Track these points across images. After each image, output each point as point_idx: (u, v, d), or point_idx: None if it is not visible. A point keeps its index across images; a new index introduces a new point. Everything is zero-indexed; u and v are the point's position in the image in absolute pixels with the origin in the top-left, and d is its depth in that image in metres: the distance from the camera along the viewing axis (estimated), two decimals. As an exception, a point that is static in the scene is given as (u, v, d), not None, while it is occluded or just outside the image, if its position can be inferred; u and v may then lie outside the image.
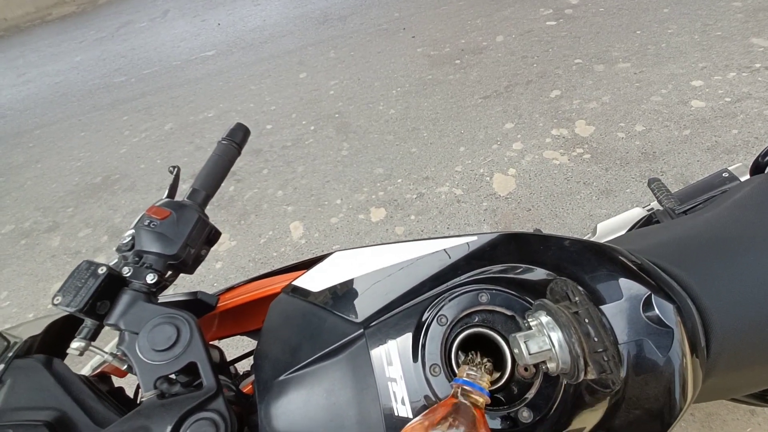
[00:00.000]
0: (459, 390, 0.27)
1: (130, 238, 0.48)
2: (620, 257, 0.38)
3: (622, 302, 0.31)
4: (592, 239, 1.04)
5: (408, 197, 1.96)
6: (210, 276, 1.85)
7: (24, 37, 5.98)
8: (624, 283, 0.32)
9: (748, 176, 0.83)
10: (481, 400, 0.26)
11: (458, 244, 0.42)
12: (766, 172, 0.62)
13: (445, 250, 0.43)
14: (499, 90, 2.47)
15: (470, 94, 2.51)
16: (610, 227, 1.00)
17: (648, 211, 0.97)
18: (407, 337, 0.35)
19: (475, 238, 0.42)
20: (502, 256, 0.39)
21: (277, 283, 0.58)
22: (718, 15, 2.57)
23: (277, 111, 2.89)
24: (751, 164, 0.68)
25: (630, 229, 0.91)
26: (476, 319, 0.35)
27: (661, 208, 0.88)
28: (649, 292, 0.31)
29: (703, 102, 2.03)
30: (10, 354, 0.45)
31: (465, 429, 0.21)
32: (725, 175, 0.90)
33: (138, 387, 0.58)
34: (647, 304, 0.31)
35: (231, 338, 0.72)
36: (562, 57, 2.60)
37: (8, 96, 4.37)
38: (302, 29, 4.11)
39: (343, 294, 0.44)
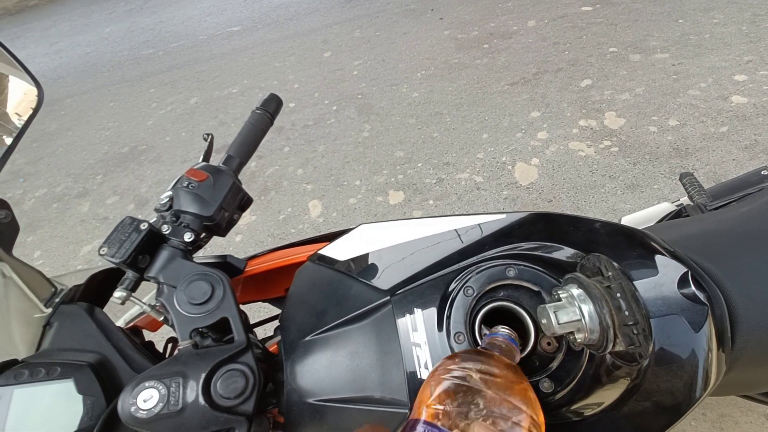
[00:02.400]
0: (494, 340, 0.27)
1: (168, 198, 0.51)
2: (652, 242, 0.38)
3: (657, 278, 0.31)
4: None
5: (427, 182, 1.96)
6: (230, 248, 1.91)
7: (57, 7, 6.09)
8: (660, 259, 0.32)
9: (789, 175, 0.80)
10: (514, 351, 0.26)
11: (487, 221, 0.43)
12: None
13: (473, 226, 0.43)
14: (527, 77, 2.40)
15: (497, 80, 2.45)
16: (635, 220, 0.98)
17: (677, 206, 0.95)
18: (433, 306, 0.36)
19: (504, 216, 0.43)
20: (531, 235, 0.39)
21: (302, 253, 0.60)
22: (771, 5, 2.41)
23: (300, 89, 2.89)
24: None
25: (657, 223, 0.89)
26: (502, 294, 0.36)
27: (691, 203, 0.86)
28: (687, 270, 0.31)
29: (745, 98, 1.92)
30: (57, 300, 0.49)
31: (499, 370, 0.22)
32: (764, 173, 0.86)
33: (167, 342, 0.61)
34: (683, 281, 0.30)
35: (253, 304, 0.74)
36: (596, 45, 2.49)
37: (41, 64, 4.50)
38: (328, 7, 4.05)
39: (370, 263, 0.45)
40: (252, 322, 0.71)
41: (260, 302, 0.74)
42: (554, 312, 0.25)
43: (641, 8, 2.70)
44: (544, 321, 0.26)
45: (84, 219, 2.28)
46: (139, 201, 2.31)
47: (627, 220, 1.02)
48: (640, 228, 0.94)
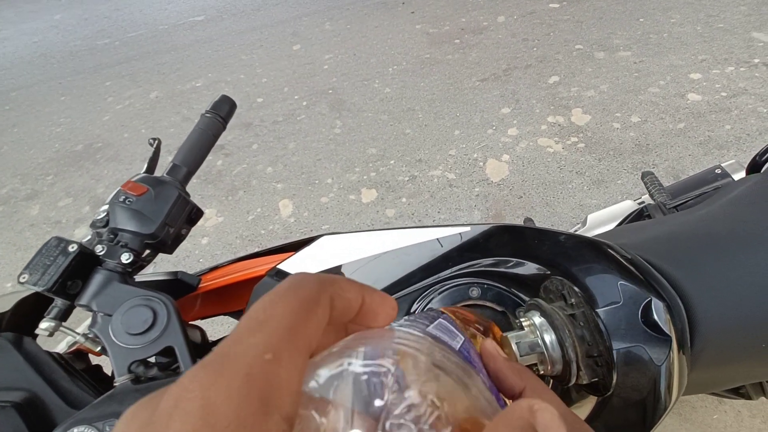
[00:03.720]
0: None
1: (105, 213, 0.46)
2: (615, 254, 0.37)
3: (620, 306, 0.30)
4: (582, 230, 1.04)
5: (400, 179, 1.94)
6: (196, 251, 1.82)
7: (-2, -10, 5.59)
8: (623, 286, 0.31)
9: (741, 173, 0.83)
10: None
11: (451, 234, 0.41)
12: (762, 171, 0.62)
13: (437, 239, 0.41)
14: (498, 73, 2.42)
15: (468, 75, 2.45)
16: (600, 219, 1.00)
17: (639, 204, 0.97)
18: (394, 329, 0.34)
19: (468, 228, 0.41)
20: (495, 249, 0.38)
21: (262, 265, 0.56)
22: (722, 6, 2.53)
23: (269, 84, 2.79)
24: (748, 162, 0.68)
25: (621, 222, 0.91)
26: (465, 313, 0.34)
27: (652, 202, 0.88)
28: (650, 298, 0.30)
29: (700, 95, 2.02)
30: (-24, 332, 0.43)
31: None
32: (718, 171, 0.90)
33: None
34: (646, 310, 0.30)
35: (213, 318, 0.70)
36: (564, 42, 2.54)
37: (-18, 53, 4.12)
38: (297, -2, 3.92)
39: (330, 281, 0.42)
40: (212, 336, 0.67)
41: (223, 315, 0.70)
42: (516, 343, 0.24)
43: (605, 6, 2.78)
44: (506, 350, 0.25)
45: (34, 223, 2.11)
46: (95, 203, 2.16)
47: (592, 218, 1.04)
48: (605, 227, 0.96)
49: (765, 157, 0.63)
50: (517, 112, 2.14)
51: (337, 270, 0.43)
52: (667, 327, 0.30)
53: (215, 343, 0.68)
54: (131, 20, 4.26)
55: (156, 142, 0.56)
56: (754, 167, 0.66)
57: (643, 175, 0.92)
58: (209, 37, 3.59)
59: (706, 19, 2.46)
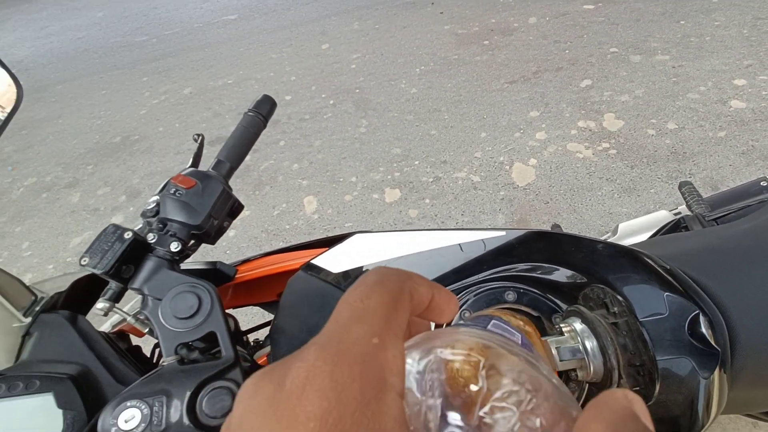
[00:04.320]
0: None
1: (155, 204, 0.48)
2: (654, 265, 0.36)
3: (665, 318, 0.30)
4: (612, 239, 1.02)
5: (424, 180, 1.94)
6: (223, 243, 1.88)
7: (47, -11, 5.93)
8: (668, 297, 0.31)
9: (788, 187, 0.79)
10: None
11: (485, 238, 0.41)
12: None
13: (470, 242, 0.42)
14: (527, 75, 2.38)
15: (496, 77, 2.42)
16: (632, 228, 0.97)
17: (675, 215, 0.94)
18: (428, 328, 0.35)
19: (503, 233, 0.41)
20: (531, 254, 0.38)
21: (295, 259, 0.58)
22: (772, 9, 2.40)
23: (297, 82, 2.84)
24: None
25: (656, 233, 0.89)
26: (500, 316, 0.35)
27: (690, 213, 0.85)
28: (697, 311, 0.30)
29: (744, 103, 1.92)
30: (38, 308, 0.47)
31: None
32: (763, 183, 0.86)
33: (155, 346, 0.60)
34: (694, 323, 0.29)
35: (243, 308, 0.73)
36: (597, 44, 2.47)
37: (31, 49, 4.39)
38: (327, -3, 3.98)
39: (364, 278, 0.43)
40: (243, 327, 0.70)
41: (252, 306, 0.72)
42: (556, 348, 0.24)
43: (643, 8, 2.68)
44: (545, 354, 0.25)
45: (74, 210, 2.24)
46: (131, 192, 2.27)
47: (624, 227, 1.01)
48: (637, 237, 0.93)
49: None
50: (546, 116, 2.10)
51: (358, 271, 0.44)
52: (719, 344, 0.29)
53: (248, 331, 0.71)
54: (167, 18, 4.43)
55: (200, 137, 0.59)
56: None
57: (681, 185, 0.88)
58: (241, 35, 3.69)
59: (753, 22, 2.33)
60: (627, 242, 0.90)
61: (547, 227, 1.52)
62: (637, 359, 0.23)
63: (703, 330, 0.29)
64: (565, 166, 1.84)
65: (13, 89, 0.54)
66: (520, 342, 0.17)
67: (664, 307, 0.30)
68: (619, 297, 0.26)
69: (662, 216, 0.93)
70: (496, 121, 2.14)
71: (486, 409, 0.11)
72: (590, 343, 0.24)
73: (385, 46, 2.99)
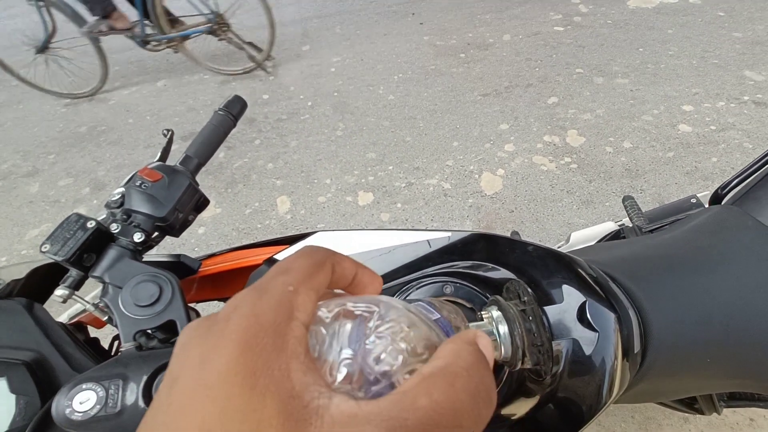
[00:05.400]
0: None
1: (120, 195, 0.50)
2: (576, 267, 0.42)
3: (563, 305, 0.35)
4: (564, 246, 1.09)
5: (397, 185, 1.99)
6: (192, 240, 1.85)
7: (12, -34, 5.60)
8: (566, 289, 0.36)
9: (712, 204, 0.89)
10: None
11: (434, 238, 0.46)
12: (722, 203, 0.68)
13: (420, 241, 0.46)
14: (500, 89, 2.49)
15: (471, 89, 2.52)
16: (582, 237, 1.06)
17: (619, 226, 1.03)
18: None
19: (450, 233, 0.46)
20: (472, 254, 0.42)
21: (259, 255, 0.61)
22: (718, 43, 2.63)
23: (275, 81, 2.83)
24: (711, 194, 0.73)
25: (599, 242, 0.97)
26: (439, 308, 0.39)
27: (630, 224, 0.94)
28: (585, 300, 0.35)
29: (690, 127, 2.09)
30: (-7, 294, 0.47)
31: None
32: (693, 201, 0.96)
33: (112, 340, 0.60)
34: (581, 310, 0.35)
35: (207, 303, 0.74)
36: (565, 64, 2.62)
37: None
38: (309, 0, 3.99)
39: (321, 272, 0.46)
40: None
41: (215, 301, 0.73)
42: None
43: (607, 33, 2.87)
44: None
45: (32, 200, 2.13)
46: (96, 185, 2.19)
47: (575, 236, 1.09)
48: (584, 245, 1.01)
49: (725, 190, 0.69)
50: (515, 129, 2.20)
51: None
52: (601, 327, 0.34)
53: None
54: (144, 7, 4.29)
55: (169, 132, 0.61)
56: (716, 199, 0.72)
57: (624, 199, 0.97)
58: (220, 30, 3.63)
59: (701, 54, 2.55)
60: (575, 248, 0.97)
61: (508, 233, 1.60)
62: (538, 340, 0.27)
63: (588, 315, 0.34)
64: (530, 178, 1.94)
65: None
66: (435, 318, 0.21)
67: (563, 297, 0.35)
68: (528, 289, 0.30)
69: (608, 226, 1.02)
70: (468, 132, 2.22)
71: (370, 339, 0.15)
72: (502, 328, 0.28)
73: (366, 51, 3.04)
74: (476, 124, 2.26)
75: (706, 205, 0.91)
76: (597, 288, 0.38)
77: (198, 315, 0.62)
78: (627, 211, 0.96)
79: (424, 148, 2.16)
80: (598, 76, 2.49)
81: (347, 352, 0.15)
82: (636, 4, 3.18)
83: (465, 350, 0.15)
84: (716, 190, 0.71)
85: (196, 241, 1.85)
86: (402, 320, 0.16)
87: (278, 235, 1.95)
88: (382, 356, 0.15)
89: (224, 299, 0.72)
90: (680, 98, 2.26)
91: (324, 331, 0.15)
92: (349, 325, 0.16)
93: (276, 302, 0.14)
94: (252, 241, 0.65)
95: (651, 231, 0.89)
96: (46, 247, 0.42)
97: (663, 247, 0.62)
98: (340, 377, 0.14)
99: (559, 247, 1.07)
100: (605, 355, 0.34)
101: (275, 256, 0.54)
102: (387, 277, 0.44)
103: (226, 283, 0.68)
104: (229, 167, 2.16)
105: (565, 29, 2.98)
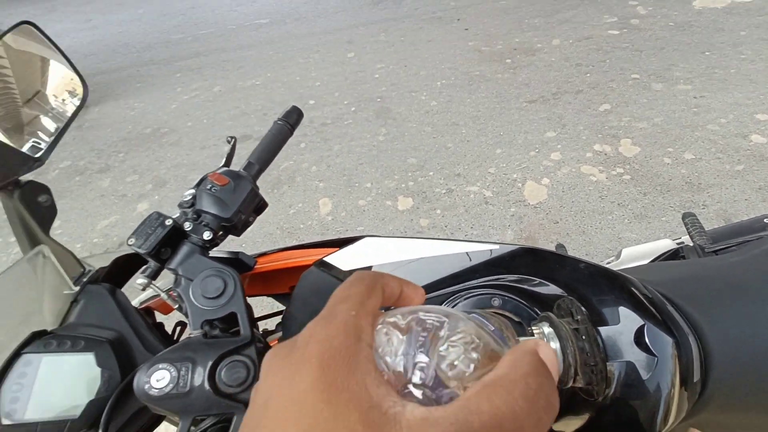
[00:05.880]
0: None
1: (191, 197, 0.55)
2: (631, 287, 0.40)
3: (619, 327, 0.34)
4: (615, 263, 1.04)
5: (437, 191, 1.99)
6: (239, 237, 1.96)
7: (95, -16, 6.26)
8: (623, 311, 0.35)
9: (789, 226, 0.81)
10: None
11: (481, 250, 0.46)
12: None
13: (467, 252, 0.46)
14: (547, 96, 2.41)
15: (516, 96, 2.46)
16: (635, 254, 1.00)
17: (678, 244, 0.96)
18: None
19: (497, 246, 0.46)
20: (519, 268, 0.42)
21: (309, 256, 0.64)
22: (802, 45, 2.37)
23: (321, 87, 2.94)
24: (788, 216, 0.67)
25: (655, 260, 0.91)
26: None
27: (691, 244, 0.88)
28: (644, 323, 0.34)
29: (765, 138, 1.91)
30: (85, 279, 0.54)
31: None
32: (766, 221, 0.88)
33: (176, 326, 0.66)
34: (639, 333, 0.34)
35: (258, 298, 0.79)
36: (619, 70, 2.49)
37: (75, 39, 4.64)
38: (356, 7, 4.10)
39: (369, 277, 0.49)
40: (256, 314, 0.76)
41: (265, 296, 0.78)
42: (525, 345, 0.29)
43: (669, 37, 2.69)
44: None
45: (104, 194, 2.37)
46: (157, 182, 2.39)
47: (627, 252, 1.03)
48: (637, 263, 0.96)
49: (806, 212, 0.62)
50: (562, 137, 2.13)
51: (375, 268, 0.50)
52: (660, 352, 0.33)
53: (260, 318, 0.77)
54: (204, 18, 4.63)
55: (233, 140, 0.66)
56: None
57: (684, 216, 0.91)
58: (271, 39, 3.84)
59: (781, 58, 2.32)
60: (628, 267, 0.93)
61: (552, 246, 1.54)
62: (591, 360, 0.27)
63: (646, 339, 0.33)
64: (578, 188, 1.86)
65: (79, 86, 0.62)
66: (492, 329, 0.22)
67: (619, 318, 0.34)
68: (582, 308, 0.30)
69: (664, 244, 0.96)
70: (513, 139, 2.17)
71: (443, 346, 0.17)
72: (554, 344, 0.28)
73: (409, 58, 3.07)
74: (521, 132, 2.21)
75: (782, 227, 0.83)
76: (653, 310, 0.37)
77: (251, 308, 0.67)
78: (687, 229, 0.90)
79: (465, 155, 2.14)
80: (657, 82, 2.34)
81: (422, 357, 0.16)
82: (703, 4, 2.95)
83: (524, 360, 0.16)
84: (794, 212, 0.65)
85: (243, 237, 1.96)
86: (471, 331, 0.18)
87: (320, 236, 2.02)
88: (456, 363, 0.16)
89: (274, 295, 0.77)
90: (753, 106, 2.06)
91: (400, 336, 0.17)
92: (423, 333, 0.17)
93: (344, 328, 0.16)
94: (296, 242, 0.69)
95: (715, 252, 0.83)
96: (131, 241, 0.47)
97: (728, 271, 0.58)
98: (415, 379, 0.16)
99: (608, 264, 1.02)
100: (661, 381, 0.33)
101: (325, 259, 0.57)
102: (432, 287, 0.45)
103: (277, 280, 0.73)
104: (275, 168, 2.27)
105: (621, 33, 2.83)
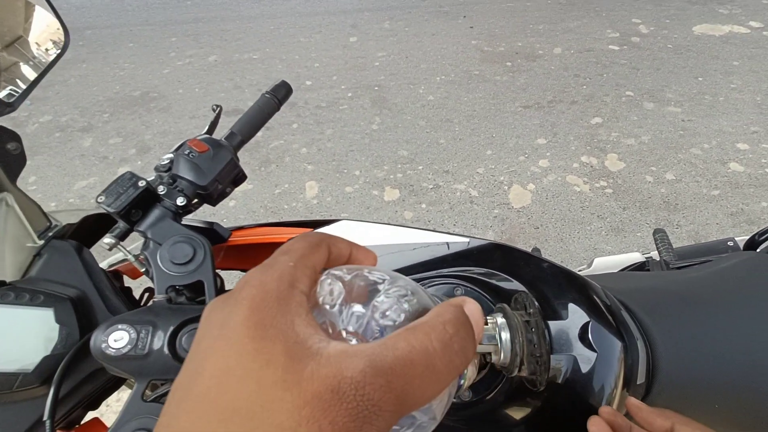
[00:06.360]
0: None
1: (168, 161, 0.54)
2: (589, 290, 0.42)
3: (566, 322, 0.35)
4: (586, 270, 1.07)
5: (424, 186, 2.00)
6: (222, 212, 1.94)
7: (93, -67, 5.95)
8: (572, 307, 0.37)
9: (750, 250, 0.85)
10: None
11: (452, 241, 0.47)
12: (758, 250, 0.65)
13: (439, 243, 0.47)
14: (542, 103, 2.43)
15: (512, 99, 2.48)
16: (605, 264, 1.03)
17: (646, 258, 1.00)
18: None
19: (468, 239, 0.47)
20: (487, 262, 0.44)
21: (285, 234, 0.64)
22: (789, 81, 2.46)
23: (320, 69, 2.89)
24: (747, 238, 0.70)
25: (622, 270, 0.95)
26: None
27: (658, 258, 0.91)
28: (589, 320, 0.36)
29: (743, 167, 1.98)
30: (50, 234, 0.52)
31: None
32: (730, 243, 0.91)
33: (144, 292, 0.65)
34: (584, 329, 0.35)
35: (231, 272, 0.78)
36: (615, 85, 2.53)
37: (68, -11, 4.42)
38: (364, -8, 4.02)
39: (341, 258, 0.49)
40: (228, 288, 0.75)
41: (238, 270, 0.78)
42: (478, 333, 0.30)
43: (666, 58, 2.74)
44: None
45: (84, 154, 2.29)
46: (141, 147, 2.32)
47: (598, 262, 1.07)
48: (605, 272, 0.99)
49: (764, 237, 0.66)
50: (552, 145, 2.16)
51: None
52: (601, 348, 0.35)
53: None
54: (206, -16, 4.46)
55: (218, 108, 0.65)
56: (751, 245, 0.69)
57: (655, 232, 0.94)
58: (274, 13, 3.74)
59: (767, 90, 2.39)
60: (595, 274, 0.96)
61: (528, 249, 1.58)
62: (537, 351, 0.29)
63: (589, 335, 0.35)
64: (561, 197, 1.90)
65: (61, 35, 0.59)
66: (431, 293, 0.23)
67: (568, 314, 0.36)
68: (536, 303, 0.31)
69: (633, 257, 0.99)
70: (504, 142, 2.19)
71: (380, 298, 0.18)
72: (505, 334, 0.29)
73: (411, 49, 3.05)
74: (513, 135, 2.23)
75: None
76: (606, 314, 0.39)
77: (221, 281, 0.66)
78: (657, 244, 0.94)
79: (456, 153, 2.15)
80: (649, 101, 2.39)
81: (359, 308, 0.17)
82: (702, 30, 3.01)
83: (447, 310, 0.17)
84: (753, 236, 0.68)
85: (225, 213, 1.94)
86: (408, 288, 0.19)
87: (305, 218, 2.01)
88: (387, 312, 0.18)
89: (246, 270, 0.77)
90: (736, 135, 2.13)
91: (341, 287, 0.18)
92: (363, 285, 0.18)
93: (278, 275, 0.17)
94: (279, 220, 0.69)
95: (678, 268, 0.86)
96: (101, 199, 0.46)
97: (686, 285, 0.60)
98: (350, 327, 0.17)
99: (580, 271, 1.05)
100: (601, 376, 0.35)
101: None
102: (404, 272, 0.46)
103: (251, 255, 0.72)
104: (265, 146, 2.24)
105: (621, 49, 2.87)
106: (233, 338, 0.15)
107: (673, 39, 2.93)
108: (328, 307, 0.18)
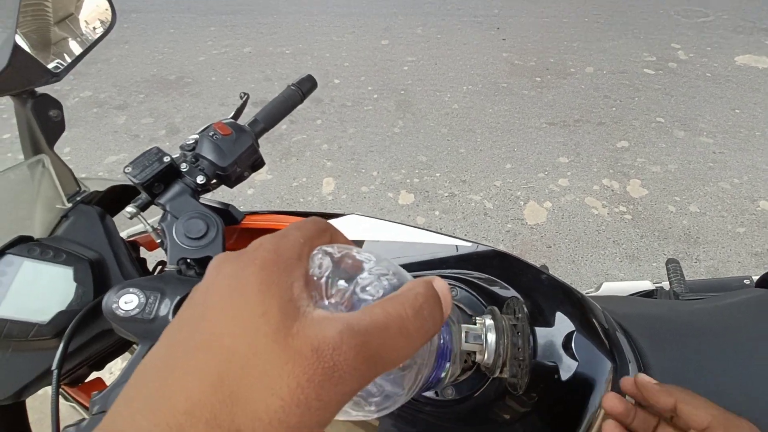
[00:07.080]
0: None
1: (194, 141, 0.57)
2: (583, 306, 0.42)
3: (553, 330, 0.36)
4: (593, 294, 1.06)
5: (440, 193, 2.00)
6: (240, 198, 1.99)
7: None
8: (560, 316, 0.37)
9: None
10: None
11: (455, 244, 0.48)
12: (769, 288, 0.63)
13: (444, 246, 0.48)
14: (568, 121, 2.40)
15: (538, 115, 2.46)
16: (613, 289, 1.02)
17: (656, 286, 0.98)
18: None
19: (471, 244, 0.48)
20: (487, 268, 0.44)
21: (295, 222, 0.66)
22: (833, 122, 2.35)
23: (349, 68, 2.94)
24: (760, 276, 0.68)
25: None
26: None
27: (666, 289, 0.89)
28: (574, 330, 0.36)
29: (773, 206, 1.90)
30: (79, 198, 0.56)
31: None
32: (746, 281, 0.89)
33: (157, 265, 0.68)
34: (568, 339, 0.36)
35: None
36: (646, 110, 2.47)
37: (119, -27, 4.63)
38: (401, -4, 4.06)
39: (345, 249, 0.51)
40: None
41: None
42: (465, 332, 0.30)
43: (703, 86, 2.66)
44: (457, 338, 0.32)
45: (117, 131, 2.39)
46: (171, 129, 2.41)
47: (606, 286, 1.05)
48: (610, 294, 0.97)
49: (778, 276, 0.64)
50: (574, 164, 2.12)
51: (356, 244, 0.52)
52: (583, 359, 0.35)
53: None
54: (249, -23, 4.60)
55: (246, 96, 0.68)
56: (762, 282, 0.67)
57: (668, 262, 0.92)
58: (309, 11, 3.82)
59: (809, 130, 2.29)
60: (600, 295, 0.94)
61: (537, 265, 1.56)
62: (520, 355, 0.29)
63: (573, 345, 0.35)
64: (578, 218, 1.87)
65: (109, 15, 0.63)
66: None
67: (555, 323, 0.36)
68: (525, 309, 0.32)
69: (643, 284, 0.97)
70: (525, 157, 2.18)
71: (363, 275, 0.20)
72: (491, 336, 0.30)
73: (441, 56, 3.06)
74: (534, 152, 2.21)
75: (759, 289, 0.84)
76: (599, 331, 0.39)
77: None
78: (669, 275, 0.92)
79: (475, 163, 2.15)
80: (680, 129, 2.32)
81: (343, 283, 0.19)
82: (745, 61, 2.91)
83: (418, 283, 0.19)
84: (765, 274, 0.66)
85: (243, 200, 1.99)
86: (390, 268, 0.21)
87: (318, 211, 2.04)
88: (368, 288, 0.19)
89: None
90: (769, 172, 2.05)
91: (329, 262, 0.20)
92: (350, 262, 0.20)
93: (290, 245, 0.19)
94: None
95: (687, 300, 0.84)
96: (128, 169, 0.50)
97: (688, 316, 0.59)
98: (333, 300, 0.18)
99: (587, 293, 1.04)
100: (581, 387, 0.35)
101: (308, 226, 0.59)
102: (406, 269, 0.47)
103: (261, 240, 0.75)
104: (287, 139, 2.29)
105: (656, 73, 2.80)
106: (241, 289, 0.17)
107: (713, 67, 2.85)
108: (315, 278, 0.19)
